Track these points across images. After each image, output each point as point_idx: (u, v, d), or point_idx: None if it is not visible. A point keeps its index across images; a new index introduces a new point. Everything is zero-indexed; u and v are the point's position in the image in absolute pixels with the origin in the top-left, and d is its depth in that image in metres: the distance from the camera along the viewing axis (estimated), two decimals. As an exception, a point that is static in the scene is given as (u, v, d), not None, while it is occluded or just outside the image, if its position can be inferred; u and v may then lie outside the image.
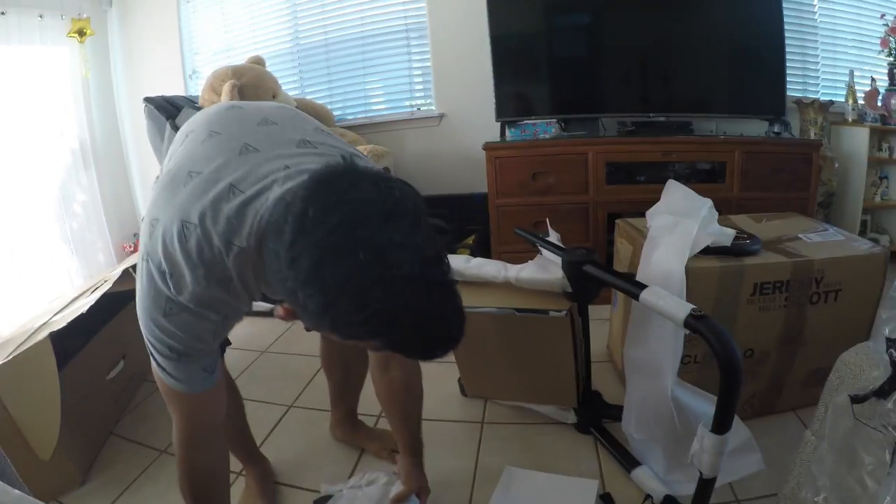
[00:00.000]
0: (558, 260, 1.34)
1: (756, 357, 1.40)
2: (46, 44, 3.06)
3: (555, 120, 2.55)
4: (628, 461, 1.32)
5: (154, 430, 1.70)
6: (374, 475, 1.31)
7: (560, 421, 1.54)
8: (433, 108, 3.10)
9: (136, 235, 3.73)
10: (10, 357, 1.37)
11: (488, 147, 2.34)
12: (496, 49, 2.51)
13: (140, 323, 0.82)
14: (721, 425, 0.95)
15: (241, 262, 0.75)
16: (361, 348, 1.20)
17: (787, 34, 2.47)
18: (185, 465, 0.94)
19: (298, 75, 3.34)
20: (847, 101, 2.65)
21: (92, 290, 1.89)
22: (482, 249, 2.48)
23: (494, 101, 2.54)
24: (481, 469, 1.39)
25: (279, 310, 0.74)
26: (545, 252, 1.42)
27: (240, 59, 3.12)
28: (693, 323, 0.96)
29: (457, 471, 1.39)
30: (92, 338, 1.73)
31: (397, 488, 1.22)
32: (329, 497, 1.28)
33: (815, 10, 2.72)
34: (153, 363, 0.85)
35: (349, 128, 3.09)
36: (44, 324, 1.73)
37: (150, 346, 0.83)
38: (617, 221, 1.70)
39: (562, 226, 1.65)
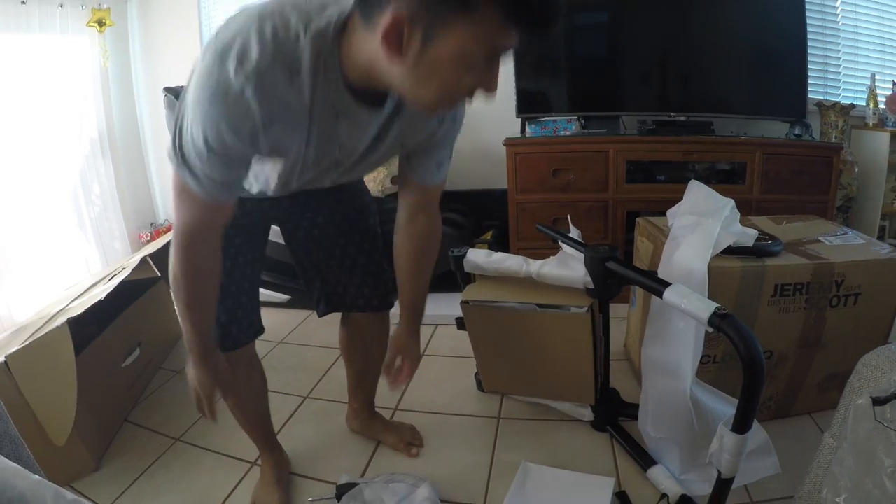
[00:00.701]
0: (580, 256, 1.34)
1: (775, 359, 1.40)
2: (66, 33, 3.08)
3: (575, 117, 2.54)
4: (644, 460, 1.32)
5: (168, 419, 1.72)
6: (402, 476, 1.32)
7: (576, 418, 1.54)
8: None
9: (152, 224, 3.77)
10: (27, 342, 1.39)
11: (509, 143, 2.33)
12: (517, 45, 2.50)
13: (181, 117, 0.80)
14: (742, 425, 0.95)
15: (317, 46, 0.73)
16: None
17: (809, 36, 2.45)
18: (182, 265, 0.91)
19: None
20: (868, 104, 2.62)
21: (109, 277, 1.91)
22: (500, 245, 2.48)
23: (515, 96, 2.53)
24: (497, 464, 1.40)
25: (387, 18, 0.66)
26: (566, 248, 1.42)
27: (258, 51, 3.14)
28: (717, 322, 0.96)
29: (472, 465, 1.40)
30: (107, 325, 1.74)
31: (424, 489, 1.23)
32: (353, 485, 1.28)
33: (838, 12, 2.69)
34: (175, 162, 0.82)
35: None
36: (61, 310, 1.75)
37: (182, 138, 0.80)
38: (637, 220, 1.69)
39: (581, 223, 1.64)
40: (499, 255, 1.47)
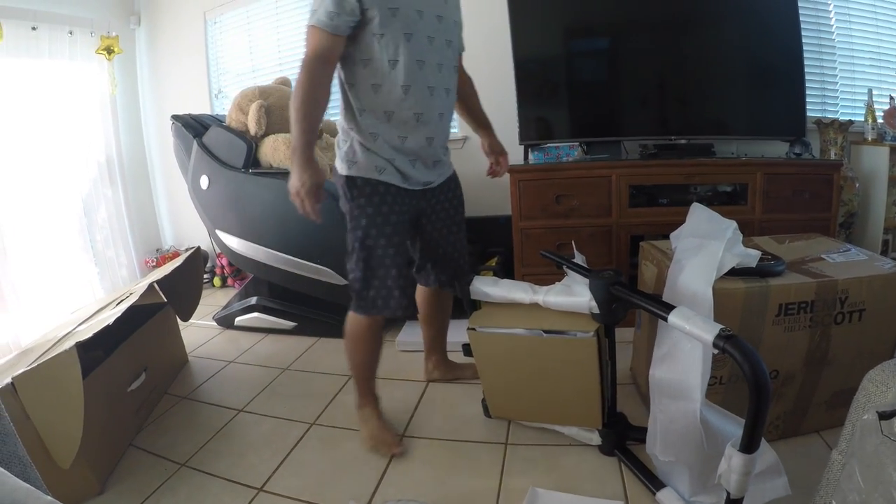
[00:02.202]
0: (585, 282, 1.35)
1: (781, 378, 1.39)
2: (76, 59, 3.16)
3: (577, 143, 2.57)
4: (653, 483, 1.31)
5: (174, 444, 1.71)
6: (409, 502, 1.31)
7: (584, 443, 1.53)
8: (456, 130, 3.11)
9: (158, 251, 3.79)
10: (35, 365, 1.39)
11: (512, 170, 2.35)
12: (520, 73, 2.54)
13: None
14: (749, 445, 0.95)
15: None
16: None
17: (805, 54, 2.48)
18: (304, 84, 1.32)
19: (323, 97, 3.40)
20: (866, 120, 2.64)
21: (117, 302, 1.92)
22: (505, 271, 2.49)
23: (518, 124, 2.56)
24: (505, 490, 1.39)
25: None
26: (571, 274, 1.43)
27: (264, 80, 3.19)
28: (722, 343, 0.96)
29: (480, 491, 1.39)
30: (113, 350, 1.75)
31: None
32: None
33: (833, 29, 2.74)
34: (309, 19, 1.33)
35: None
36: (68, 333, 1.76)
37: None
38: (641, 244, 1.70)
39: (585, 248, 1.66)
40: (505, 283, 1.48)
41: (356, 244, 1.49)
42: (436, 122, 1.50)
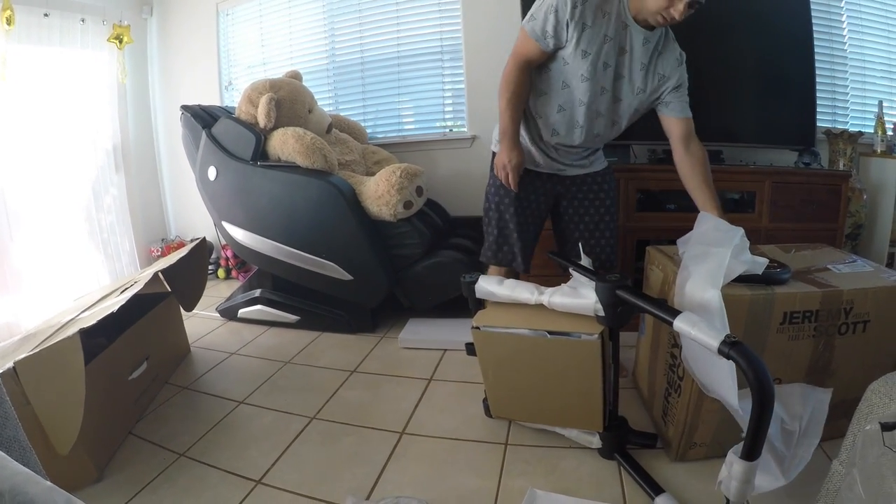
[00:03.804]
0: (590, 284, 1.34)
1: (784, 387, 1.39)
2: (87, 47, 3.16)
3: (586, 147, 2.56)
4: (652, 488, 1.31)
5: (174, 434, 1.72)
6: (407, 499, 1.31)
7: (584, 445, 1.52)
8: (465, 129, 3.13)
9: (163, 240, 3.80)
10: (37, 350, 1.39)
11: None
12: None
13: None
14: (751, 452, 0.95)
15: None
16: None
17: (816, 64, 2.48)
18: (507, 79, 1.58)
19: (333, 92, 3.39)
20: (876, 132, 2.63)
21: (121, 290, 1.92)
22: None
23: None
24: (504, 490, 1.38)
25: None
26: (577, 276, 1.43)
27: (275, 72, 3.19)
28: (727, 350, 0.96)
29: (479, 491, 1.38)
30: (115, 338, 1.75)
31: None
32: None
33: (845, 40, 2.73)
34: (525, 23, 1.55)
35: (382, 145, 3.13)
36: (71, 320, 1.76)
37: (535, 9, 1.52)
38: (648, 248, 1.70)
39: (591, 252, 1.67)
40: (510, 283, 1.48)
41: None
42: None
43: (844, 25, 2.72)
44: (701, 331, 1.03)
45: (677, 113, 1.58)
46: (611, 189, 1.82)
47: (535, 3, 1.53)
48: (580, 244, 1.70)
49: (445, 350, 2.03)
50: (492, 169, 1.75)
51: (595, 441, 1.50)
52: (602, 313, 1.31)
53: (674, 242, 1.55)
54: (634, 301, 1.23)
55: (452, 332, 2.00)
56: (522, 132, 1.69)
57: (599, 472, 1.43)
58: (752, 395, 0.92)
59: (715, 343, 0.98)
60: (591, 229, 1.79)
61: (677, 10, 1.36)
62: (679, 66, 1.57)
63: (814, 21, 2.45)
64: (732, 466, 0.97)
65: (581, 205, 1.78)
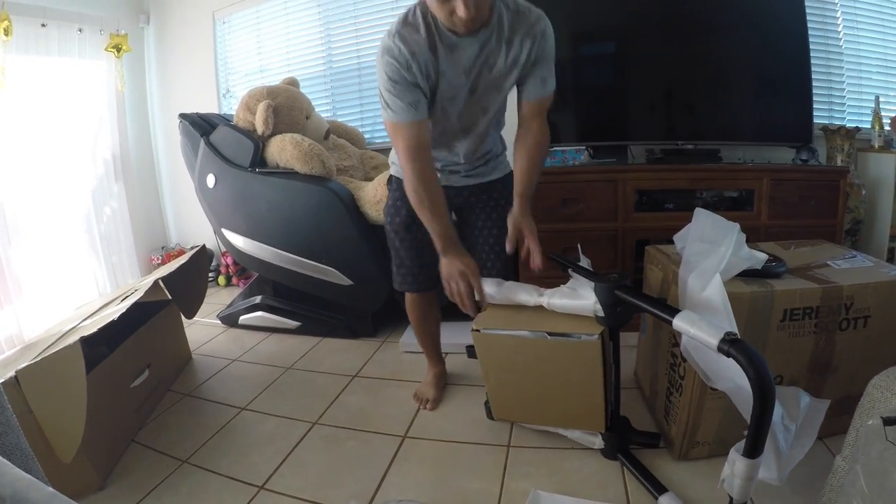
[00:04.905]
0: (590, 285, 1.34)
1: (785, 384, 1.38)
2: (85, 57, 3.17)
3: (584, 147, 2.57)
4: (655, 488, 1.31)
5: (176, 441, 1.72)
6: (410, 503, 1.31)
7: (587, 446, 1.52)
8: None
9: (163, 248, 3.80)
10: (39, 359, 1.39)
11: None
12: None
13: (379, 89, 1.38)
14: (753, 449, 0.95)
15: (423, 11, 1.32)
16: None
17: (812, 61, 2.48)
18: (412, 175, 1.37)
19: (331, 98, 3.40)
20: (873, 127, 2.63)
21: (122, 298, 1.93)
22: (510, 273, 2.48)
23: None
24: (506, 493, 1.38)
25: None
26: (576, 277, 1.43)
27: (273, 80, 3.20)
28: (727, 348, 0.96)
29: (482, 493, 1.38)
30: (117, 346, 1.75)
31: None
32: None
33: (840, 36, 2.73)
34: (384, 115, 1.39)
35: (379, 150, 3.13)
36: (72, 328, 1.77)
37: (382, 95, 1.37)
38: (647, 248, 1.70)
39: (590, 252, 1.66)
40: (510, 285, 1.48)
41: None
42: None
43: (839, 20, 2.72)
44: (700, 329, 1.03)
45: (530, 96, 1.47)
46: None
47: (379, 98, 1.40)
48: (579, 245, 1.70)
49: (446, 353, 2.03)
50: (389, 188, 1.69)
51: (598, 441, 1.49)
52: (601, 314, 1.31)
53: (672, 242, 1.55)
54: (633, 301, 1.23)
55: (453, 335, 2.00)
56: None
57: (602, 473, 1.43)
58: (752, 393, 0.92)
59: (714, 341, 0.98)
60: (497, 238, 1.67)
61: (460, 10, 1.21)
62: (534, 45, 1.39)
63: (808, 17, 2.45)
64: (735, 464, 0.97)
65: (480, 216, 1.69)
